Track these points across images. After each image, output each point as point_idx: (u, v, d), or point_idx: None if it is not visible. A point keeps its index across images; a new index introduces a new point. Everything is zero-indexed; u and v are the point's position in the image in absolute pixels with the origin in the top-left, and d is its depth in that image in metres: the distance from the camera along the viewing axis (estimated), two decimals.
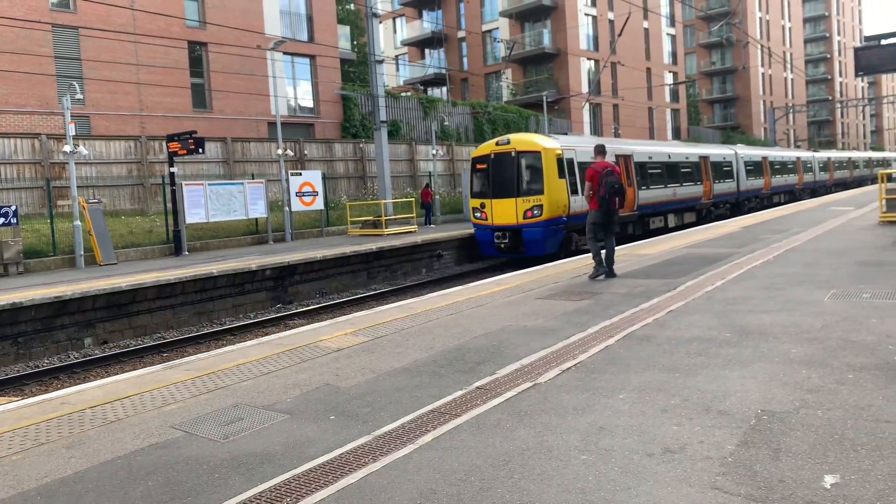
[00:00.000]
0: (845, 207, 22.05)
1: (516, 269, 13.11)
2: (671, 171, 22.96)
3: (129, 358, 11.29)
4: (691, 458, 3.48)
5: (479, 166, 18.34)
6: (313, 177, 22.82)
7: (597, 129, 48.38)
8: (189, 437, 4.33)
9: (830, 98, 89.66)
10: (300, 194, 22.06)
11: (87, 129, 24.03)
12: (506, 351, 5.97)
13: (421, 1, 53.29)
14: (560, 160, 17.22)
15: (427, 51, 54.29)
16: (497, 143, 18.00)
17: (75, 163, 17.65)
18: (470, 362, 5.67)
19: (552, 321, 7.12)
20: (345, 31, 35.45)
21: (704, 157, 25.68)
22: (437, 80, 50.90)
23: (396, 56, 57.04)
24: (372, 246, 18.15)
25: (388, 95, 30.06)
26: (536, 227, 16.89)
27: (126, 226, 20.04)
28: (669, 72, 57.54)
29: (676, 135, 57.10)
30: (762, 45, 69.25)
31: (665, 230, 21.66)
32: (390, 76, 54.94)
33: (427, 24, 52.71)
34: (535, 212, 16.89)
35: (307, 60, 31.21)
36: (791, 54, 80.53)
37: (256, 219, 21.55)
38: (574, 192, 17.33)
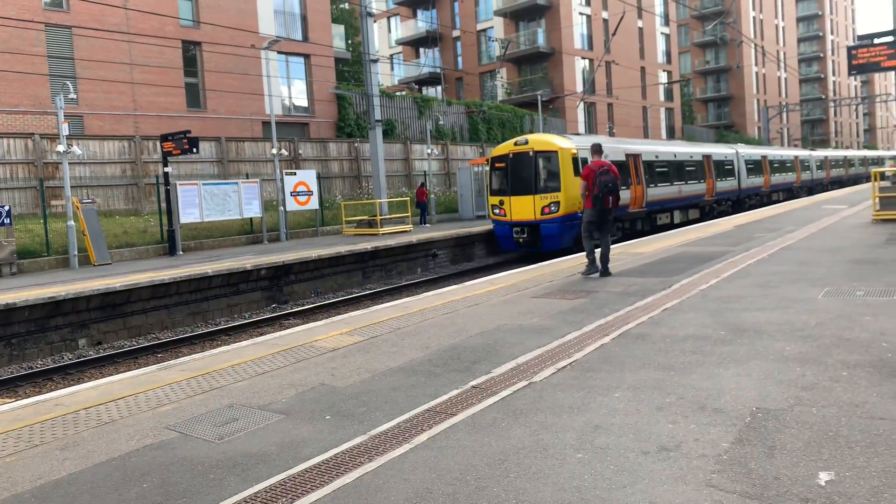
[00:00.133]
0: (839, 206, 22.13)
1: (512, 268, 13.13)
2: (677, 170, 23.74)
3: (124, 359, 11.25)
4: (686, 455, 3.49)
5: (497, 165, 19.12)
6: (308, 176, 22.78)
7: (591, 128, 48.43)
8: (184, 438, 4.32)
9: (824, 97, 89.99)
10: (295, 194, 22.02)
11: (81, 128, 23.95)
12: (501, 350, 5.97)
13: (415, 0, 53.25)
14: (575, 159, 18.03)
15: (422, 50, 54.26)
16: (515, 144, 18.83)
17: (69, 163, 17.57)
18: (465, 361, 5.67)
19: (547, 320, 7.12)
20: (339, 30, 35.41)
21: (707, 156, 26.46)
22: (431, 80, 50.89)
23: (391, 55, 56.98)
24: (367, 245, 18.13)
25: (382, 95, 30.06)
26: (553, 223, 17.71)
27: (120, 226, 19.97)
28: (664, 71, 57.65)
29: (671, 134, 57.22)
30: (756, 45, 69.44)
31: (671, 226, 22.36)
32: (385, 75, 54.85)
33: (422, 23, 52.69)
34: (553, 208, 17.74)
35: (301, 60, 31.16)
36: (785, 53, 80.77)
37: (251, 218, 21.50)
38: None
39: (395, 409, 4.57)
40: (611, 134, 44.00)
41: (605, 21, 49.06)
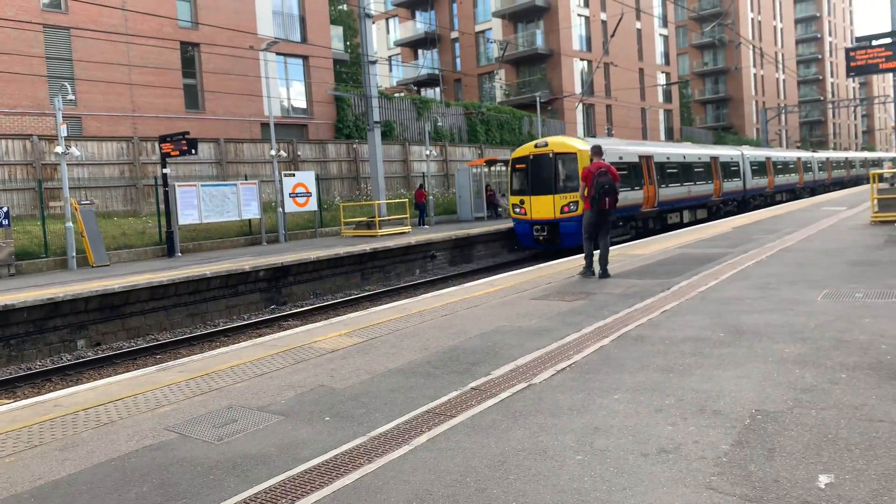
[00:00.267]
0: (837, 207, 22.16)
1: (511, 270, 13.14)
2: (686, 171, 24.64)
3: (123, 360, 11.24)
4: (686, 458, 3.49)
5: (518, 166, 20.02)
6: (307, 178, 22.78)
7: (590, 130, 48.47)
8: (183, 439, 4.32)
9: (822, 98, 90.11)
10: (293, 195, 22.02)
11: (79, 129, 23.92)
12: (500, 351, 5.97)
13: (414, 1, 53.27)
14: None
15: (420, 51, 54.28)
16: (535, 146, 19.76)
17: (67, 164, 17.57)
18: (465, 363, 5.67)
19: (546, 321, 7.12)
20: (338, 31, 35.40)
21: (715, 158, 27.34)
22: (430, 81, 50.90)
23: (389, 57, 56.98)
24: (366, 247, 18.13)
25: (381, 96, 30.05)
26: (572, 221, 18.36)
27: (118, 227, 19.95)
28: (662, 72, 57.70)
29: (669, 135, 57.28)
30: (754, 46, 69.52)
31: (680, 225, 23.22)
32: (383, 77, 54.84)
33: (420, 24, 52.71)
34: (572, 207, 18.56)
35: (300, 61, 31.15)
36: (783, 55, 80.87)
37: (250, 220, 21.49)
38: None
39: (394, 410, 4.57)
40: (609, 135, 44.03)
41: (604, 22, 49.12)
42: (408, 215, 24.11)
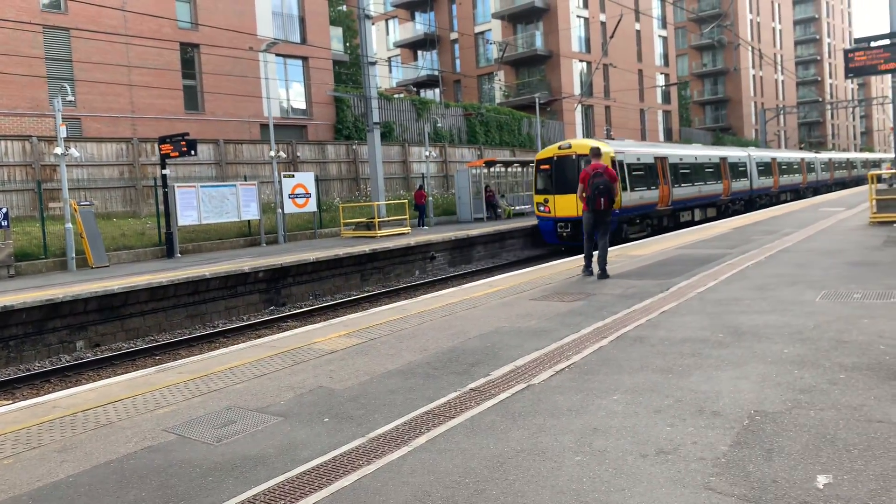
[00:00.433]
0: (837, 208, 22.17)
1: (510, 270, 13.13)
2: (697, 171, 25.78)
3: (122, 361, 11.24)
4: (685, 458, 3.50)
5: (542, 167, 21.03)
6: (306, 178, 22.78)
7: (589, 131, 48.48)
8: (182, 441, 4.32)
9: (821, 99, 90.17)
10: (293, 196, 22.02)
11: (79, 130, 23.92)
12: (500, 352, 5.97)
13: (413, 2, 53.29)
14: (614, 161, 19.86)
15: (420, 52, 54.30)
16: (560, 148, 20.80)
17: (66, 165, 17.57)
18: (464, 364, 5.67)
19: (546, 322, 7.13)
20: (337, 32, 35.40)
21: (724, 159, 28.41)
22: (429, 82, 50.92)
23: (389, 58, 56.99)
24: (365, 248, 18.13)
25: (380, 97, 30.05)
26: None
27: (118, 228, 19.95)
28: (661, 73, 57.73)
29: (668, 136, 57.31)
30: (753, 47, 69.57)
31: (692, 223, 24.06)
32: (383, 78, 54.85)
33: (419, 25, 52.74)
34: None
35: (300, 62, 31.17)
36: (782, 56, 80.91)
37: (249, 221, 21.50)
38: (624, 188, 20.34)
39: (393, 411, 4.57)
40: (608, 137, 44.04)
41: (603, 24, 49.16)
42: (407, 216, 24.12)
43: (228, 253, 19.36)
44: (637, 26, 52.78)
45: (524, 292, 9.33)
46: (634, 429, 3.96)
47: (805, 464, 3.33)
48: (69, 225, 16.57)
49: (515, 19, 47.59)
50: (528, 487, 3.29)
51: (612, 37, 37.31)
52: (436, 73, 49.10)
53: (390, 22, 57.71)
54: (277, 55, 28.51)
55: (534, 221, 25.35)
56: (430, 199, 27.62)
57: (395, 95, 41.88)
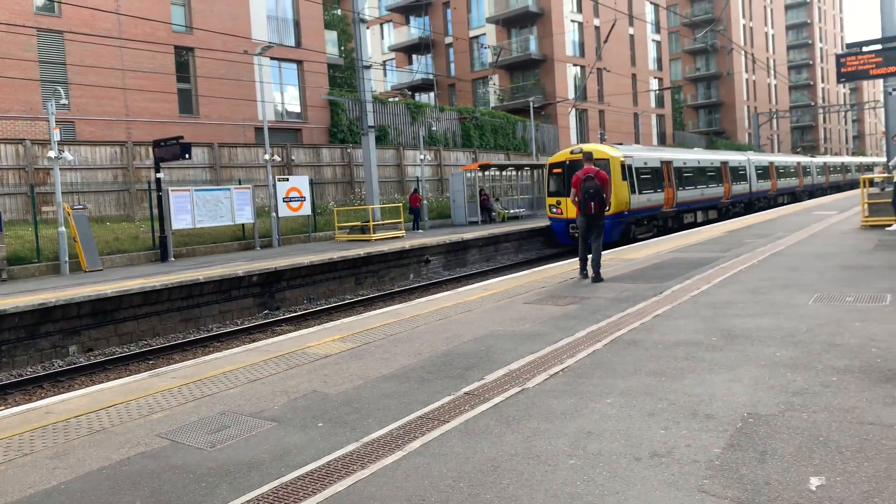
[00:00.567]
0: (829, 212, 22.28)
1: (505, 274, 13.14)
2: (700, 175, 26.76)
3: (115, 365, 11.19)
4: (678, 461, 3.50)
5: (555, 171, 21.84)
6: (300, 182, 22.76)
7: (583, 135, 48.60)
8: (175, 446, 4.30)
9: (813, 104, 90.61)
10: (287, 199, 22.00)
11: (73, 134, 23.85)
12: (494, 356, 5.97)
13: (408, 7, 53.38)
14: (623, 166, 20.92)
15: (414, 56, 54.36)
16: (571, 152, 21.52)
17: (60, 168, 17.51)
18: (458, 368, 5.67)
19: (540, 326, 7.14)
20: (332, 36, 35.43)
21: (725, 163, 29.36)
22: (424, 86, 50.99)
23: (384, 61, 57.07)
24: (360, 251, 18.12)
25: (375, 101, 30.10)
26: (605, 220, 19.65)
27: (112, 232, 19.89)
28: (654, 77, 57.94)
29: (661, 140, 57.49)
30: (746, 52, 69.91)
31: (695, 224, 25.11)
32: (378, 81, 55.01)
33: (414, 29, 52.82)
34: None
35: (294, 65, 31.16)
36: (774, 60, 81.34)
37: (243, 224, 21.46)
38: (633, 191, 21.30)
39: (387, 415, 4.57)
40: (602, 140, 44.18)
41: (597, 28, 49.32)
42: (402, 219, 24.11)
43: (223, 257, 19.32)
44: (631, 31, 52.97)
45: (519, 296, 9.34)
46: (628, 432, 3.97)
47: (798, 466, 3.35)
48: (62, 228, 16.51)
49: (510, 24, 47.71)
50: (522, 491, 3.29)
51: (605, 41, 37.47)
52: (430, 76, 49.17)
53: (385, 26, 57.77)
54: (272, 59, 28.52)
55: (529, 225, 25.51)
56: (425, 202, 27.63)
57: (390, 99, 41.93)
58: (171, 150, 18.59)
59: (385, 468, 3.69)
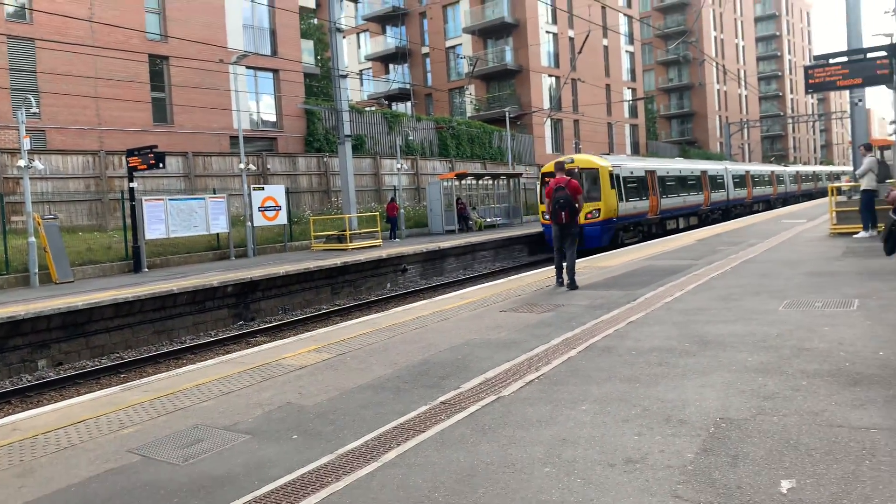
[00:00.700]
0: (798, 220, 22.67)
1: (482, 282, 13.16)
2: (681, 184, 28.04)
3: (86, 379, 10.99)
4: (652, 467, 3.53)
5: (547, 179, 23.86)
6: (276, 191, 22.63)
7: (558, 145, 48.99)
8: (147, 462, 4.24)
9: (782, 114, 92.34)
10: (263, 209, 21.85)
11: (43, 143, 23.47)
12: (470, 365, 5.98)
13: (385, 16, 53.49)
14: (612, 175, 21.92)
15: (391, 66, 54.45)
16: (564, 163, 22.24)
17: (30, 177, 17.21)
18: (434, 377, 5.66)
19: (515, 334, 7.16)
20: (308, 45, 35.36)
21: (704, 172, 30.84)
22: (401, 95, 51.07)
23: (360, 71, 57.05)
24: (336, 261, 18.04)
25: (352, 110, 30.03)
26: (595, 226, 21.42)
27: (83, 242, 19.58)
28: (628, 88, 58.68)
29: (635, 150, 58.16)
30: (717, 63, 71.13)
31: (677, 230, 26.12)
32: (354, 91, 54.86)
33: (391, 39, 52.93)
34: (595, 214, 21.43)
35: (270, 74, 31.03)
36: (745, 72, 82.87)
37: (218, 234, 21.26)
38: (621, 199, 22.33)
39: (363, 426, 4.54)
40: (577, 150, 44.60)
41: (571, 39, 49.83)
42: (379, 228, 24.07)
43: (197, 267, 19.11)
44: (605, 42, 53.62)
45: (495, 304, 9.36)
46: (603, 438, 3.99)
47: (769, 469, 3.39)
48: (32, 239, 16.20)
49: (486, 34, 48.03)
50: (497, 500, 3.29)
51: (580, 52, 37.89)
52: (407, 86, 49.28)
53: (362, 35, 57.81)
54: (248, 67, 28.35)
55: (505, 234, 25.63)
56: (402, 211, 27.62)
57: (367, 108, 41.91)
58: (145, 159, 18.40)
59: (360, 480, 3.66)
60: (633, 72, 59.63)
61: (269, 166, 27.71)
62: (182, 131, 27.23)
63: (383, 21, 54.32)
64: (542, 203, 23.04)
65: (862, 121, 18.76)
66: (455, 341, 7.03)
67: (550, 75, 48.48)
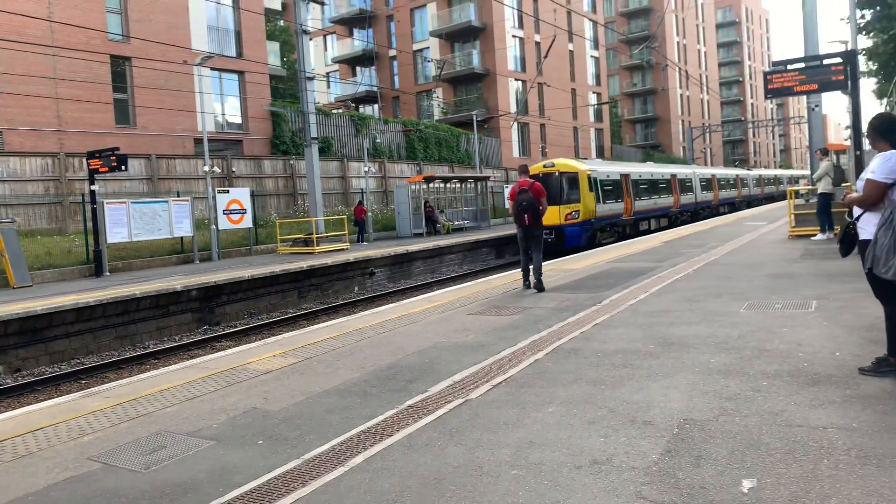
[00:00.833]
0: (759, 222, 23.17)
1: (450, 285, 13.17)
2: (653, 186, 29.33)
3: (45, 386, 10.71)
4: (618, 468, 3.57)
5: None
6: (241, 194, 22.37)
7: (525, 149, 49.34)
8: (107, 469, 4.14)
9: (743, 119, 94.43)
10: (228, 212, 21.57)
11: (0, 145, 22.82)
12: (438, 368, 5.98)
13: (352, 19, 53.29)
14: (590, 178, 22.98)
15: (358, 68, 54.27)
16: (544, 166, 23.65)
17: None
18: (402, 381, 5.65)
19: (483, 336, 7.18)
20: (274, 47, 35.05)
21: (674, 175, 32.16)
22: (368, 98, 50.91)
23: (327, 73, 56.75)
24: (303, 264, 17.89)
25: (319, 112, 29.84)
26: (575, 227, 22.56)
27: (43, 246, 19.09)
28: (593, 92, 59.39)
29: (600, 154, 58.86)
30: (680, 68, 72.40)
31: (649, 231, 27.14)
32: (321, 93, 54.58)
33: (358, 42, 52.76)
34: (574, 215, 22.55)
35: (235, 76, 30.68)
36: (707, 77, 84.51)
37: (182, 238, 20.93)
38: (598, 201, 23.31)
39: (329, 431, 4.51)
40: (543, 154, 45.06)
41: (538, 44, 50.26)
42: (346, 232, 23.94)
43: (160, 271, 18.77)
44: (570, 47, 54.19)
45: (463, 307, 9.38)
46: (569, 440, 4.02)
47: (731, 469, 3.45)
48: None
49: (453, 38, 48.17)
50: (464, 503, 3.30)
51: (546, 56, 38.25)
52: (374, 89, 49.14)
53: (329, 38, 57.49)
54: (212, 69, 27.98)
55: (473, 237, 25.71)
56: (370, 214, 27.52)
57: (334, 111, 41.66)
58: (107, 161, 18.03)
59: (327, 485, 3.63)
60: (598, 76, 60.38)
61: (234, 169, 27.38)
62: (145, 133, 26.75)
63: (350, 23, 54.11)
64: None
65: (818, 126, 19.25)
66: (423, 344, 7.02)
67: (517, 79, 48.82)
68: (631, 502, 3.18)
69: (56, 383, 10.85)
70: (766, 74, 14.06)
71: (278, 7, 36.68)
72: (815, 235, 14.98)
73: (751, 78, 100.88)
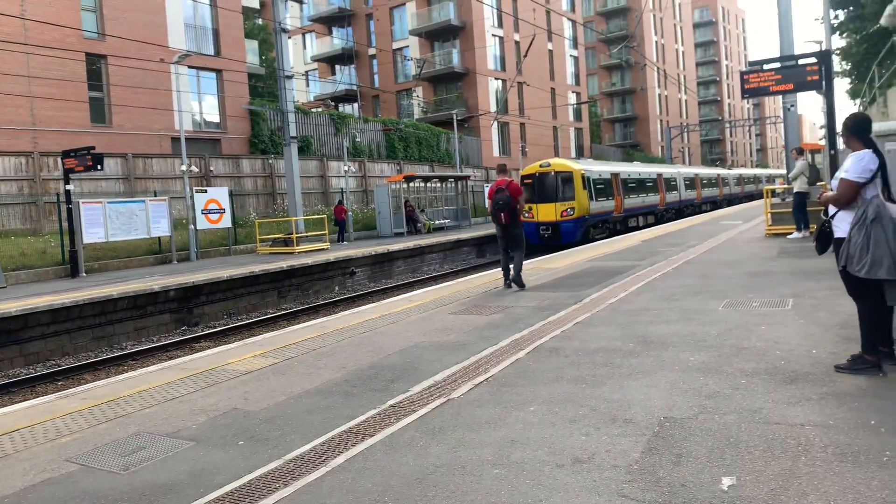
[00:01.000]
0: (736, 221, 23.45)
1: (431, 285, 13.16)
2: (641, 185, 30.35)
3: (20, 388, 10.54)
4: (599, 467, 3.59)
5: (526, 181, 24.30)
6: (220, 193, 22.17)
7: (505, 148, 49.44)
8: (85, 471, 4.09)
9: (720, 118, 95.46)
10: (206, 212, 21.37)
11: None
12: (419, 367, 5.97)
13: (331, 17, 53.02)
14: (584, 177, 23.93)
15: (338, 67, 54.01)
16: (541, 166, 24.53)
17: None
18: (383, 380, 5.64)
19: (464, 336, 7.19)
20: (253, 45, 34.77)
21: (660, 174, 33.24)
22: (347, 97, 50.69)
23: (306, 71, 56.32)
24: (282, 264, 17.77)
25: (298, 111, 29.63)
26: (570, 223, 23.55)
27: (17, 247, 18.78)
28: (573, 92, 59.68)
29: (580, 153, 59.15)
30: (658, 68, 73.01)
31: (637, 228, 27.99)
32: (300, 92, 54.18)
33: (337, 40, 52.51)
34: (569, 212, 23.53)
35: (213, 75, 30.37)
36: (685, 77, 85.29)
37: (160, 238, 20.70)
38: (592, 199, 24.23)
39: (311, 431, 4.49)
40: (523, 153, 45.18)
41: (517, 43, 50.39)
42: (326, 231, 23.83)
43: (138, 271, 18.55)
44: (550, 46, 54.40)
45: (444, 306, 9.38)
46: (551, 439, 4.04)
47: (711, 467, 3.49)
48: None
49: (433, 37, 48.12)
50: (447, 503, 3.30)
51: (525, 56, 38.41)
52: (354, 87, 48.95)
53: (307, 36, 57.17)
54: (190, 67, 27.66)
55: (454, 236, 25.73)
56: (350, 214, 27.42)
57: (313, 109, 41.43)
58: (83, 160, 17.77)
59: (309, 485, 3.62)
60: (577, 76, 60.68)
61: (212, 168, 27.12)
62: (121, 132, 26.39)
63: (329, 22, 53.84)
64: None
65: (794, 125, 19.54)
66: (404, 344, 7.01)
67: (497, 78, 48.91)
68: (612, 500, 3.20)
69: (31, 385, 10.68)
70: (742, 74, 14.20)
71: (256, 5, 36.43)
72: (791, 234, 15.18)
73: (728, 77, 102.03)
